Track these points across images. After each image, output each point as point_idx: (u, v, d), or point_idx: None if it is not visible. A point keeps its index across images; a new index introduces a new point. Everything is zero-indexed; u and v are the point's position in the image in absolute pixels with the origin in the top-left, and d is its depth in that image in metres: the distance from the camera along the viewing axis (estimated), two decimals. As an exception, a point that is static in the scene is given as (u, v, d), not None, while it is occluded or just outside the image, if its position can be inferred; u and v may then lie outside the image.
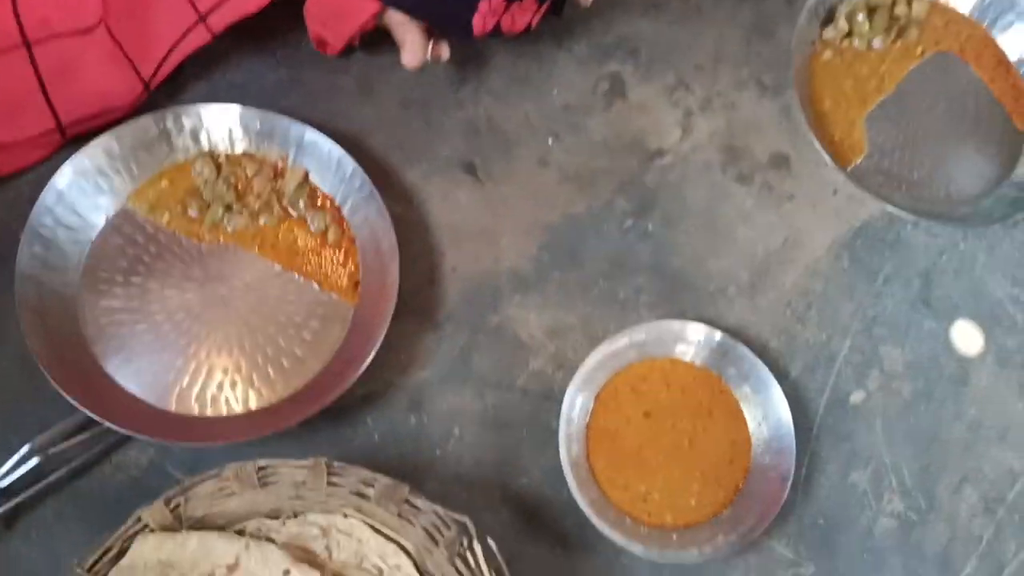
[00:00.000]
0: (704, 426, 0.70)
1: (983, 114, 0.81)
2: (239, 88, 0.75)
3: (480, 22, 0.68)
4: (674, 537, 0.67)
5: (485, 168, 0.76)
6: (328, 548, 0.60)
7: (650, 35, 0.80)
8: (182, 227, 0.70)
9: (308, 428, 0.67)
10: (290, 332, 0.69)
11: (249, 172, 0.71)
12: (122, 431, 0.62)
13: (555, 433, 0.67)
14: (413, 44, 0.69)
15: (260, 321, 0.69)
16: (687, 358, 0.71)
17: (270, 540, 0.59)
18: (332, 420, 0.68)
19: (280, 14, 0.69)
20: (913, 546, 0.70)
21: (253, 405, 0.67)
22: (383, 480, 0.59)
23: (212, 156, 0.71)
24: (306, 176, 0.72)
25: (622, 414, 0.69)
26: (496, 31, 0.70)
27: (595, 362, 0.69)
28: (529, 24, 0.71)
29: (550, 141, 0.77)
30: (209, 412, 0.66)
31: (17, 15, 0.67)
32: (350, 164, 0.70)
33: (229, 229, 0.70)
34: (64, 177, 0.67)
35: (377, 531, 0.60)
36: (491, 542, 0.57)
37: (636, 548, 0.65)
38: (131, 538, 0.56)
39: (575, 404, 0.69)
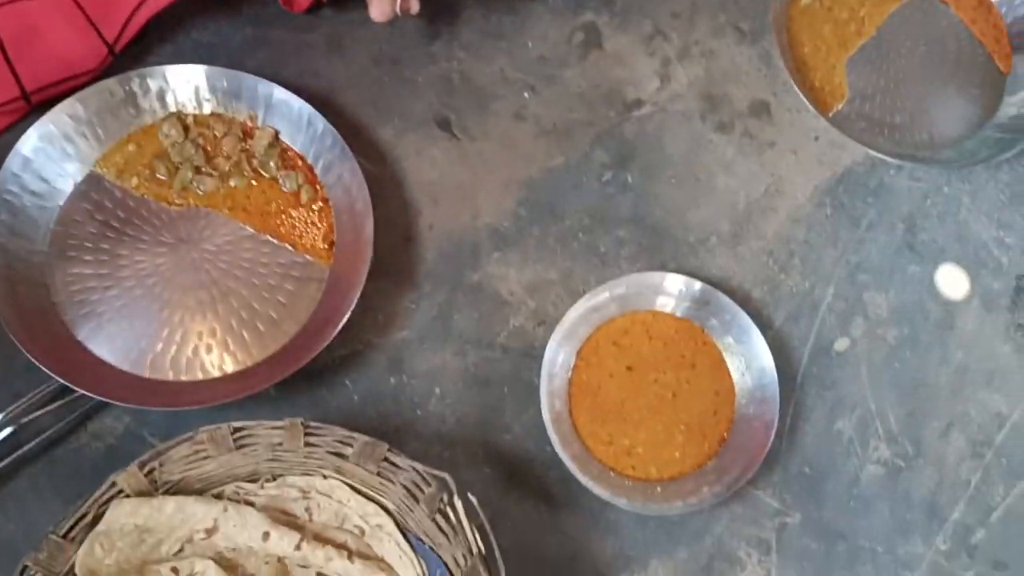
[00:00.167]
0: (687, 378, 0.69)
1: (964, 56, 0.80)
2: (206, 48, 0.74)
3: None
4: (659, 490, 0.66)
5: (460, 123, 0.74)
6: (308, 510, 0.60)
7: (625, -17, 0.79)
8: (151, 191, 0.69)
9: (288, 391, 0.66)
10: (264, 295, 0.68)
11: (218, 133, 0.70)
12: (96, 398, 0.61)
13: (537, 389, 0.67)
14: (381, -3, 0.68)
15: (234, 284, 0.68)
16: (668, 310, 0.70)
17: (249, 503, 0.59)
18: (311, 382, 0.67)
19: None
20: (900, 492, 0.70)
21: (229, 369, 0.66)
22: (361, 439, 0.58)
23: (180, 118, 0.70)
24: (276, 136, 0.70)
25: (604, 368, 0.69)
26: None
27: (576, 317, 0.68)
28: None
29: (526, 94, 0.76)
30: (184, 377, 0.65)
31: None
32: (321, 122, 0.69)
33: (199, 192, 0.69)
34: (29, 143, 0.66)
35: (357, 491, 0.59)
36: (472, 498, 0.56)
37: (620, 502, 0.65)
38: (106, 503, 0.55)
39: (557, 360, 0.68)
